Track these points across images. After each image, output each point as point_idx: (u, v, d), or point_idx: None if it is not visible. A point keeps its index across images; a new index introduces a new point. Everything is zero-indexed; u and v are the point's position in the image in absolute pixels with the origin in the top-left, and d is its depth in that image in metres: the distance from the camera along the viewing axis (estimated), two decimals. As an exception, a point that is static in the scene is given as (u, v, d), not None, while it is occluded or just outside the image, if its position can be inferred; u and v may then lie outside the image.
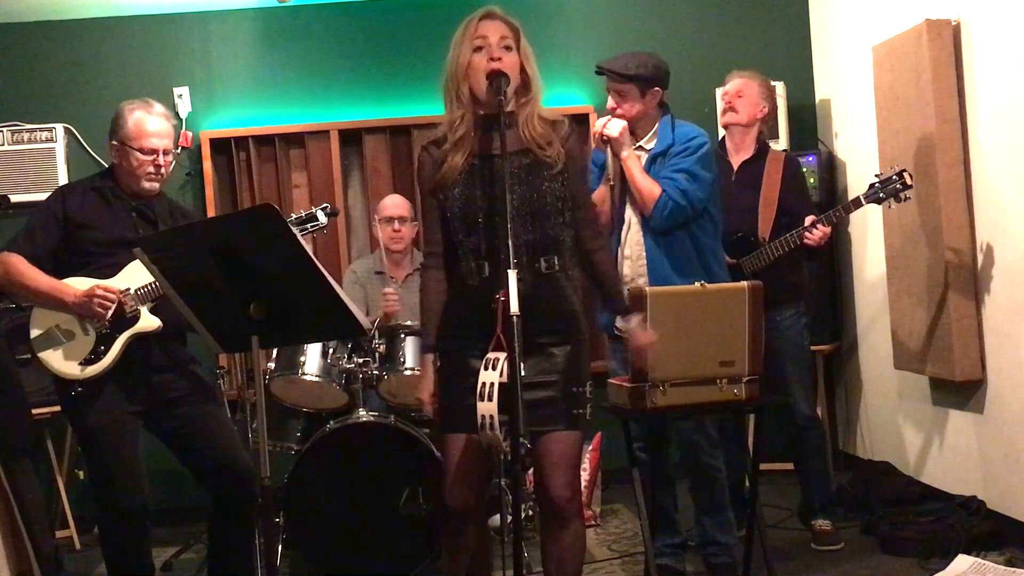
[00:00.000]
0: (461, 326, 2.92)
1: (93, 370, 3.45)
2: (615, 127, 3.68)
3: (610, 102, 3.75)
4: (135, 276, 3.42)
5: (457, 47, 2.93)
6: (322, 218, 3.73)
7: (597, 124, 3.73)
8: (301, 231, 3.67)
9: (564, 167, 2.90)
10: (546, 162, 2.89)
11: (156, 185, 3.58)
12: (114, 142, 3.59)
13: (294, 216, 3.74)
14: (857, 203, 4.12)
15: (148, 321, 3.48)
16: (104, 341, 3.47)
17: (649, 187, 3.66)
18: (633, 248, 3.73)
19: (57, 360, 3.49)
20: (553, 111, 3.07)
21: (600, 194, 3.69)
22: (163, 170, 3.56)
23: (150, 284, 3.42)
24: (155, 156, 3.53)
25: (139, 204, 3.59)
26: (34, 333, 3.54)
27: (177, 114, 5.56)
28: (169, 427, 3.58)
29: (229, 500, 3.59)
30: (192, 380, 3.59)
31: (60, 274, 3.52)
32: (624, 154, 3.70)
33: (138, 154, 3.52)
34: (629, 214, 3.74)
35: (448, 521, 3.01)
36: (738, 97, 4.33)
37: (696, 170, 3.68)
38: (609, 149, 3.70)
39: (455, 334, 2.94)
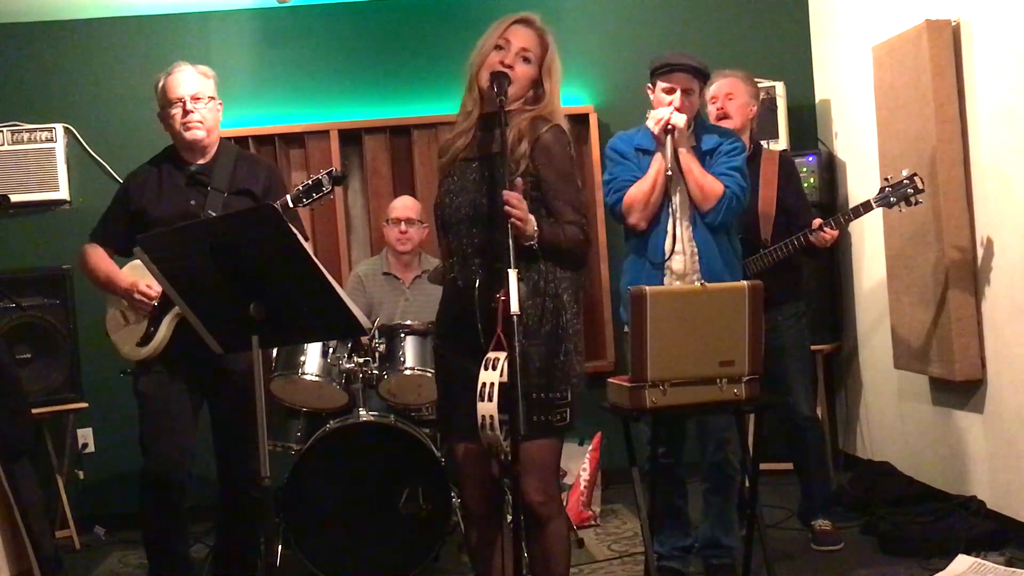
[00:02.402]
0: (444, 324, 3.00)
1: (146, 351, 3.59)
2: (680, 119, 3.68)
3: (677, 101, 3.70)
4: None
5: (484, 39, 2.94)
6: (327, 184, 3.66)
7: (662, 112, 3.69)
8: (307, 202, 3.64)
9: (526, 168, 2.86)
10: (511, 165, 2.85)
11: (198, 133, 3.63)
12: (158, 114, 3.70)
13: (299, 187, 3.65)
14: (867, 206, 4.10)
15: None
16: (154, 323, 3.58)
17: (712, 184, 3.68)
18: (685, 244, 3.73)
19: (120, 341, 3.69)
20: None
21: (650, 181, 3.68)
22: (196, 116, 3.60)
23: None
24: (182, 104, 3.60)
25: (196, 170, 3.65)
26: (107, 316, 3.73)
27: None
28: (214, 409, 3.71)
29: (230, 499, 3.70)
30: (236, 367, 3.59)
31: None
32: (683, 148, 3.70)
33: (169, 110, 3.63)
34: (675, 209, 3.72)
35: (470, 525, 3.06)
36: (728, 100, 4.25)
37: (745, 171, 3.78)
38: (669, 140, 3.68)
39: (440, 333, 3.02)
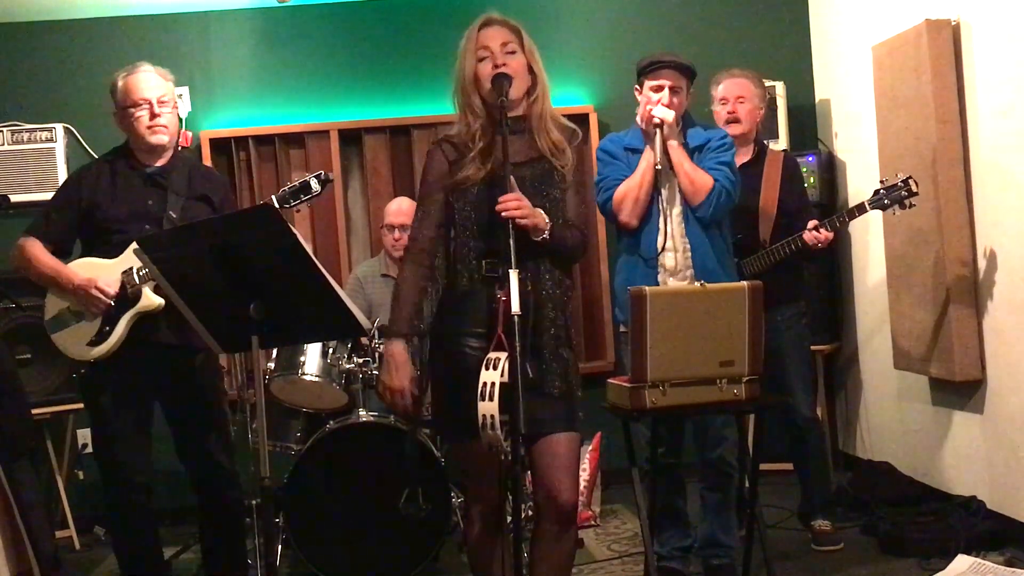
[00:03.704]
0: (461, 329, 2.91)
1: (99, 351, 3.51)
2: (669, 113, 3.69)
3: (665, 98, 3.71)
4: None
5: (463, 58, 2.93)
6: (315, 186, 3.63)
7: (652, 107, 3.71)
8: (295, 202, 3.61)
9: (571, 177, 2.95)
10: (559, 171, 2.91)
11: (163, 137, 3.59)
12: (115, 113, 3.64)
13: (286, 187, 3.63)
14: (862, 209, 4.09)
15: (149, 300, 3.51)
16: (109, 322, 3.51)
17: (702, 177, 3.69)
18: (677, 240, 3.74)
19: (67, 342, 3.57)
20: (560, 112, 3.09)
21: (639, 177, 3.69)
22: (162, 119, 3.57)
23: None
24: (149, 106, 3.55)
25: (153, 172, 3.61)
26: (47, 315, 3.61)
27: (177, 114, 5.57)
28: (169, 411, 3.68)
29: (205, 500, 3.70)
30: (195, 369, 3.61)
31: (85, 251, 3.62)
32: (672, 143, 3.71)
33: (132, 110, 3.56)
34: (665, 204, 3.73)
35: (476, 522, 3.03)
36: (740, 102, 4.23)
37: (735, 166, 3.79)
38: (658, 135, 3.68)
39: (456, 337, 2.92)
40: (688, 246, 3.73)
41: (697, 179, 3.69)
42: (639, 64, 3.82)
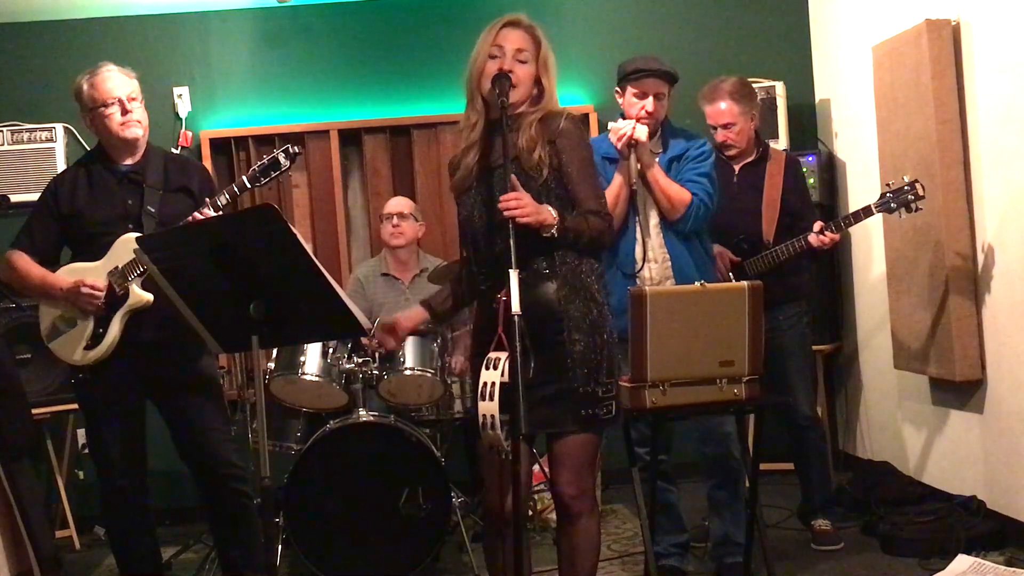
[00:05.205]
0: (477, 335, 2.97)
1: (95, 354, 3.52)
2: (643, 132, 3.64)
3: (649, 105, 3.68)
4: (121, 254, 3.45)
5: (478, 50, 2.93)
6: (284, 161, 3.59)
7: (623, 127, 3.65)
8: (265, 180, 3.59)
9: (550, 167, 2.87)
10: (529, 172, 2.87)
11: (138, 131, 3.60)
12: (84, 116, 3.66)
13: (256, 167, 3.61)
14: (868, 211, 4.08)
15: (138, 296, 3.51)
16: (102, 324, 3.53)
17: (679, 192, 3.66)
18: (656, 252, 3.72)
19: (64, 349, 3.58)
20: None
21: (613, 194, 3.63)
22: (135, 115, 3.59)
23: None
24: (120, 104, 3.57)
25: (127, 170, 3.62)
26: (42, 326, 3.63)
27: (177, 114, 5.57)
28: (163, 407, 3.68)
29: (209, 491, 3.69)
30: (185, 364, 3.61)
31: (74, 258, 3.64)
32: (647, 159, 3.67)
33: (103, 110, 3.57)
34: (641, 217, 3.70)
35: (489, 524, 3.08)
36: (727, 128, 4.20)
37: (714, 176, 3.76)
38: (633, 154, 3.65)
39: (475, 343, 3.00)
40: (667, 256, 3.72)
41: (674, 195, 3.66)
42: (623, 68, 3.77)
